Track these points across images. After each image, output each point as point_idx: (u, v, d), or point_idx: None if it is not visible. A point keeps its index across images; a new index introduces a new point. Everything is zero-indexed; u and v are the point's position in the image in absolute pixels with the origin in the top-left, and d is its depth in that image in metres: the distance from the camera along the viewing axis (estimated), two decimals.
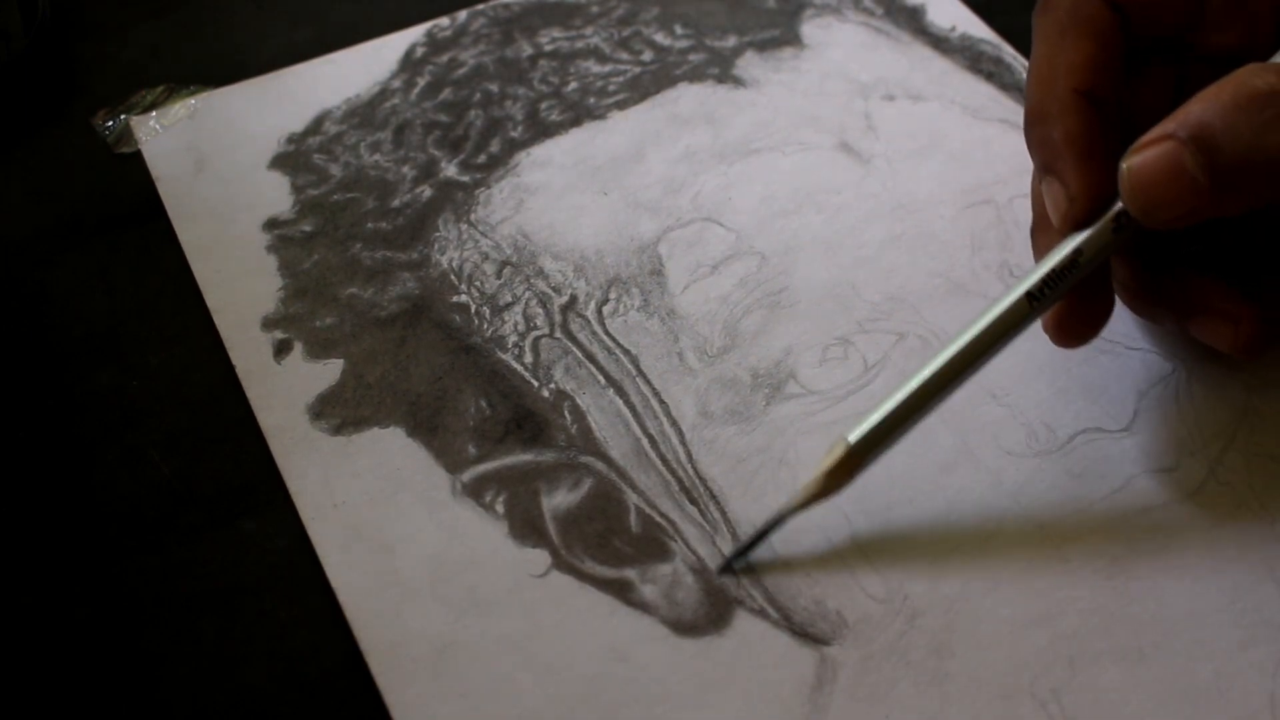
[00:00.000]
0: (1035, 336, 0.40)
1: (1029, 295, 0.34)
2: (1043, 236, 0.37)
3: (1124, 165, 0.33)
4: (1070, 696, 0.33)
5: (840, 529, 0.36)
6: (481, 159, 0.47)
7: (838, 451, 0.34)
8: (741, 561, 0.35)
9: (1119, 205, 0.34)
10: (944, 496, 0.37)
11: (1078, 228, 0.34)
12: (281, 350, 0.41)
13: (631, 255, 0.43)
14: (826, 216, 0.44)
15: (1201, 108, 0.32)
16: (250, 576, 0.36)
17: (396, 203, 0.45)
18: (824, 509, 0.36)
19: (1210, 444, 0.37)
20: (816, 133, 0.47)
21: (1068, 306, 0.36)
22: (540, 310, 0.42)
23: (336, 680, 0.34)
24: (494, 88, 0.49)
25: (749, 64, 0.50)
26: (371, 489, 0.37)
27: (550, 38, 0.51)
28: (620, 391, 0.39)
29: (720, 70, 0.49)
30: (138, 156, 0.47)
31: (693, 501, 0.37)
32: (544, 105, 0.48)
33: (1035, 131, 0.36)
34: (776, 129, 0.47)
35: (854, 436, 0.34)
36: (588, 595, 0.35)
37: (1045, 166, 0.35)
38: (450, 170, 0.46)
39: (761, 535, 0.35)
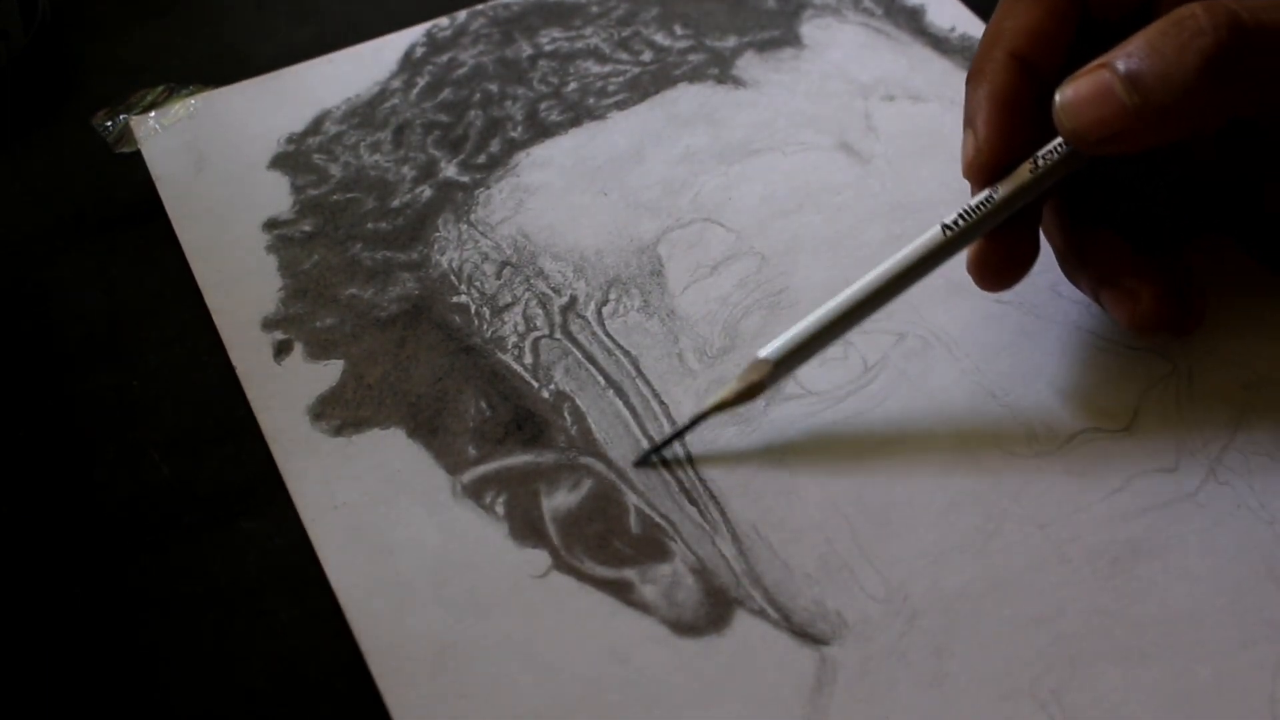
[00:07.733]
0: (1038, 338, 0.40)
1: (944, 226, 0.36)
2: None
3: (1058, 93, 0.34)
4: (1070, 697, 0.33)
5: (840, 529, 0.36)
6: (481, 159, 0.47)
7: (761, 368, 0.36)
8: (657, 456, 0.38)
9: (1042, 151, 0.36)
10: (944, 496, 0.37)
11: (983, 177, 0.36)
12: (281, 351, 0.41)
13: (631, 256, 0.43)
14: (826, 216, 0.44)
15: (1135, 39, 0.33)
16: (250, 576, 0.36)
17: (396, 203, 0.45)
18: (824, 509, 0.36)
19: (1210, 444, 0.37)
20: (816, 133, 0.47)
21: (988, 247, 0.37)
22: (540, 311, 0.42)
23: (336, 680, 0.34)
24: (494, 88, 0.49)
25: (749, 64, 0.50)
26: (372, 490, 0.37)
27: (550, 38, 0.51)
28: (620, 392, 0.39)
29: (720, 70, 0.49)
30: (138, 156, 0.47)
31: (693, 502, 0.37)
32: (544, 105, 0.48)
33: (968, 89, 0.37)
34: (776, 129, 0.47)
35: (766, 353, 0.36)
36: (588, 596, 0.35)
37: (966, 121, 0.37)
38: (450, 170, 0.46)
39: (679, 434, 0.38)
